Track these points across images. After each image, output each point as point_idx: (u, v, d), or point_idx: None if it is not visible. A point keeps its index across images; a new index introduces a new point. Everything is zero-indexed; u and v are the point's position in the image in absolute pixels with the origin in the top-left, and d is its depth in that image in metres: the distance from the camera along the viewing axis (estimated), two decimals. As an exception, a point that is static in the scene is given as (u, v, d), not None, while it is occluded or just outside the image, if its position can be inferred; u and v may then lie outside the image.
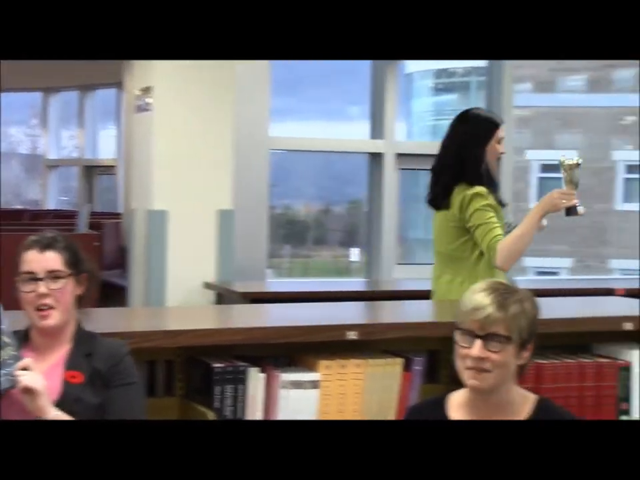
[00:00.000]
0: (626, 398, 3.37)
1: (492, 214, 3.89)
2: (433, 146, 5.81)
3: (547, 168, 20.08)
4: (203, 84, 4.89)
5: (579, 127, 19.80)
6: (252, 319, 3.48)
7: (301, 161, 11.43)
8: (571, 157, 3.85)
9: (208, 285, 4.85)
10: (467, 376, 2.41)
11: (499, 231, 3.87)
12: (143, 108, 4.90)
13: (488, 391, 2.40)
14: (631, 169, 19.43)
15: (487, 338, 2.36)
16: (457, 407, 2.47)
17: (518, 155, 19.22)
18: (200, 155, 4.87)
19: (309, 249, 15.03)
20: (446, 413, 2.47)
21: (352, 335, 3.03)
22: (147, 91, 4.88)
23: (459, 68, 16.75)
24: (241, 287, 4.63)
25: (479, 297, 2.39)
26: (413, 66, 15.06)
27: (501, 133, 4.07)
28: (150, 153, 4.81)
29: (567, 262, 19.40)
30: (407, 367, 3.11)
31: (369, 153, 5.35)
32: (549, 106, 19.42)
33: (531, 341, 2.44)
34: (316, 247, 15.13)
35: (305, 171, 11.72)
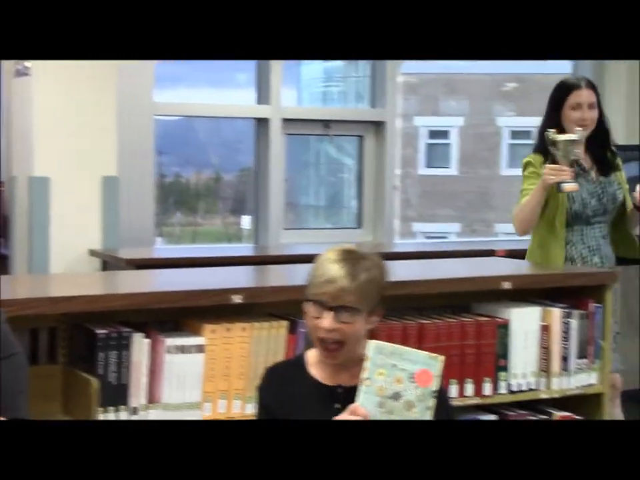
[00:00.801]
0: (504, 355, 3.47)
1: (530, 182, 4.05)
2: (320, 111, 5.89)
3: (434, 134, 20.35)
4: (85, 48, 4.80)
5: (464, 93, 20.09)
6: (136, 285, 3.46)
7: (191, 130, 11.34)
8: (564, 133, 3.91)
9: (93, 253, 4.79)
10: (320, 348, 2.46)
11: (522, 200, 4.07)
12: (22, 72, 4.78)
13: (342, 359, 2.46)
14: (515, 134, 19.83)
15: (338, 310, 2.39)
16: (314, 364, 2.52)
17: (407, 122, 19.43)
18: (83, 120, 4.79)
19: (200, 217, 14.95)
20: (305, 371, 2.52)
21: (237, 299, 3.05)
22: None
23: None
24: (126, 253, 4.60)
25: (330, 268, 2.40)
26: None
27: (577, 97, 4.05)
28: (30, 119, 4.72)
29: (454, 227, 19.74)
30: (292, 330, 3.15)
31: (255, 119, 5.35)
32: (435, 72, 19.65)
33: (379, 305, 2.48)
34: (207, 215, 15.07)
35: (195, 139, 11.64)
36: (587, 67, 6.09)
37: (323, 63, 13.37)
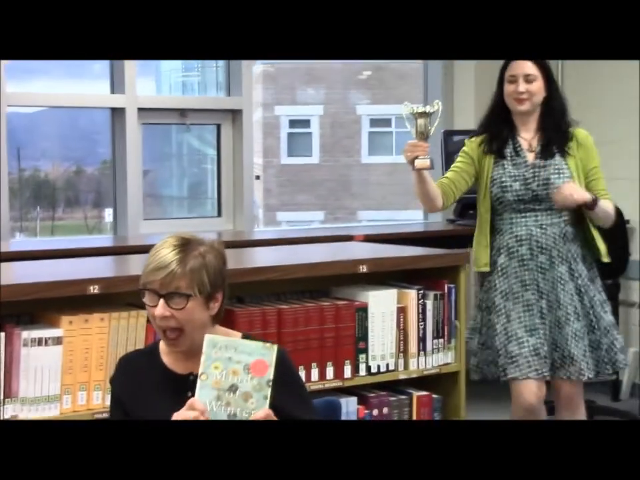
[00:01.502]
0: (363, 337, 3.54)
1: (456, 161, 3.85)
2: (176, 100, 5.84)
3: (294, 123, 20.44)
4: None
5: (322, 82, 20.24)
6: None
7: (48, 123, 11.10)
8: (418, 105, 3.62)
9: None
10: (162, 337, 2.46)
11: (441, 178, 3.86)
12: None
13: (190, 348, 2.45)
14: (374, 122, 20.09)
15: (169, 296, 2.39)
16: (167, 352, 2.53)
17: (267, 112, 19.46)
18: None
19: (61, 211, 14.66)
20: (159, 359, 2.52)
21: (94, 289, 3.02)
22: None
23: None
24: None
25: (160, 254, 2.40)
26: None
27: (512, 69, 3.71)
28: None
29: (318, 215, 19.89)
30: (152, 319, 3.14)
31: (111, 109, 5.28)
32: (292, 62, 19.74)
33: (218, 291, 2.45)
34: (67, 209, 14.79)
35: (53, 132, 11.41)
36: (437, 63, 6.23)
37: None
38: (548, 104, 3.76)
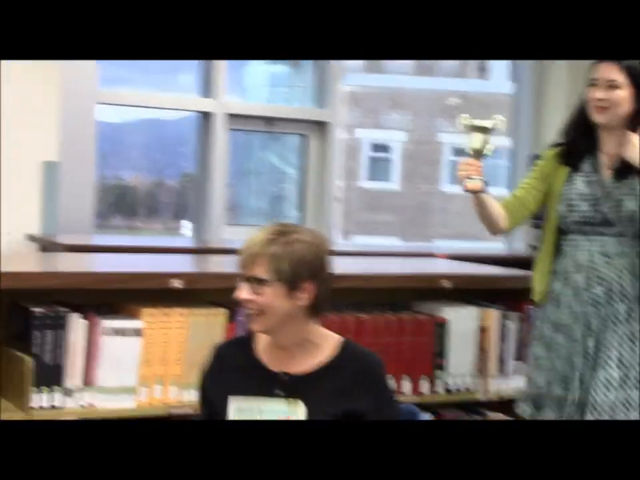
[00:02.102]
0: (442, 354, 3.48)
1: (528, 178, 3.40)
2: (264, 108, 5.85)
3: (377, 147, 20.43)
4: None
5: (407, 108, 20.22)
6: (73, 266, 3.41)
7: (134, 133, 11.28)
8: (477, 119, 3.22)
9: (31, 238, 4.72)
10: (247, 318, 2.43)
11: (507, 196, 3.42)
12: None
13: (269, 333, 2.41)
14: (456, 152, 19.99)
15: (249, 280, 2.36)
16: (263, 346, 2.49)
17: (350, 134, 19.49)
18: (24, 105, 4.72)
19: (140, 220, 14.86)
20: (252, 351, 2.48)
21: (176, 284, 3.02)
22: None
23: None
24: (65, 239, 4.53)
25: (251, 239, 2.38)
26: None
27: (593, 72, 3.21)
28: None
29: (395, 241, 19.82)
30: (232, 318, 3.13)
31: (201, 113, 5.31)
32: (379, 86, 19.75)
33: (304, 281, 2.37)
34: (147, 219, 14.98)
35: (138, 142, 11.58)
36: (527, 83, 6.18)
37: (268, 69, 13.41)
38: (635, 115, 3.21)
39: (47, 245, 4.63)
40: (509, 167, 6.51)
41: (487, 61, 17.31)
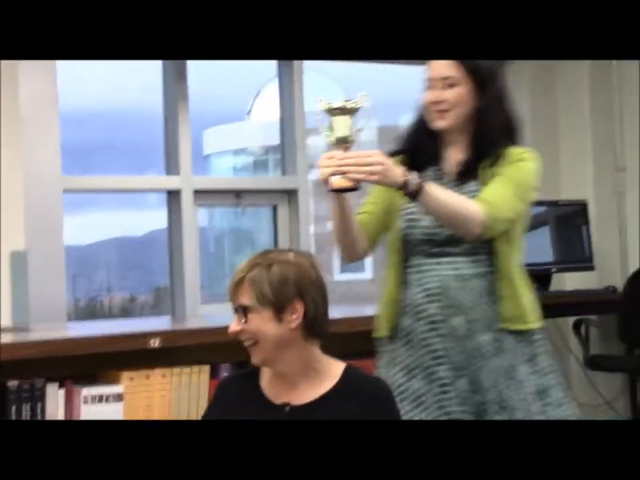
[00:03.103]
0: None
1: (371, 192, 2.87)
2: (231, 181, 5.77)
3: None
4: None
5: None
6: (49, 336, 3.32)
7: (102, 254, 11.37)
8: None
9: (3, 329, 4.60)
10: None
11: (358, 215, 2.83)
12: None
13: (269, 364, 2.32)
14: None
15: (237, 311, 2.29)
16: (266, 379, 2.40)
17: (320, 227, 19.54)
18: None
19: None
20: (259, 384, 2.38)
21: (155, 343, 2.95)
22: None
23: (256, 147, 16.94)
24: (38, 328, 4.42)
25: (235, 269, 2.32)
26: (209, 148, 15.33)
27: (429, 72, 2.76)
28: None
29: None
30: (214, 374, 3.05)
31: (167, 191, 5.27)
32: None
33: (291, 302, 2.26)
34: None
35: (108, 262, 11.66)
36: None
37: (233, 162, 13.50)
38: (478, 117, 2.75)
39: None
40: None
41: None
